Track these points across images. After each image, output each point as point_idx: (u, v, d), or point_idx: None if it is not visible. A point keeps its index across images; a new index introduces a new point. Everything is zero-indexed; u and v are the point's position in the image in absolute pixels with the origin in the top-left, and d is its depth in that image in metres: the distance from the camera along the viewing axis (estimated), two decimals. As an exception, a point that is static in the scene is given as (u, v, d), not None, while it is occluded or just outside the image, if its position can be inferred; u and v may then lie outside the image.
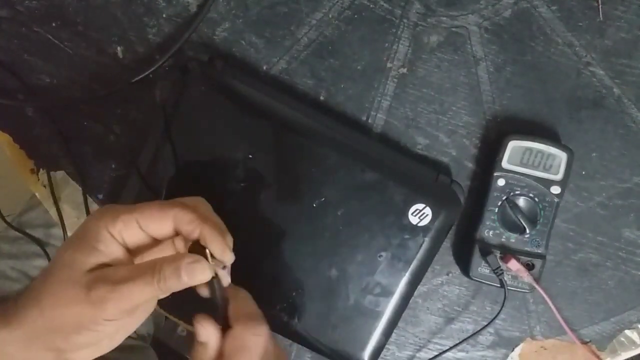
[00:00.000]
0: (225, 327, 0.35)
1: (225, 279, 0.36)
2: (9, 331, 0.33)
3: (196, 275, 0.33)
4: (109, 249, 0.34)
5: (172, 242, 0.38)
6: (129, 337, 0.65)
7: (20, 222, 0.65)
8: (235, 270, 0.47)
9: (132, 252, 0.36)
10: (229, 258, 0.35)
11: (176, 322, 0.39)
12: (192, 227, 0.35)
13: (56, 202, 0.51)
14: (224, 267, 0.36)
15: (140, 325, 0.68)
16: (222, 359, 0.35)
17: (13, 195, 0.71)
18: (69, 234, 0.53)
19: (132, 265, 0.35)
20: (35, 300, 0.34)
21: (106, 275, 0.33)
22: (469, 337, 0.51)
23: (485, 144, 0.51)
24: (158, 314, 0.39)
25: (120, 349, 0.65)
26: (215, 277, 0.34)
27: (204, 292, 0.36)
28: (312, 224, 0.46)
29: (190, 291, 0.35)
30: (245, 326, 0.35)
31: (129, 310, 0.33)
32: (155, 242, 0.36)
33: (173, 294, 0.34)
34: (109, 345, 0.36)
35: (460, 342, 0.51)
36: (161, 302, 0.38)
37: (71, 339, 0.33)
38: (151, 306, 0.38)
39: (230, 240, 0.36)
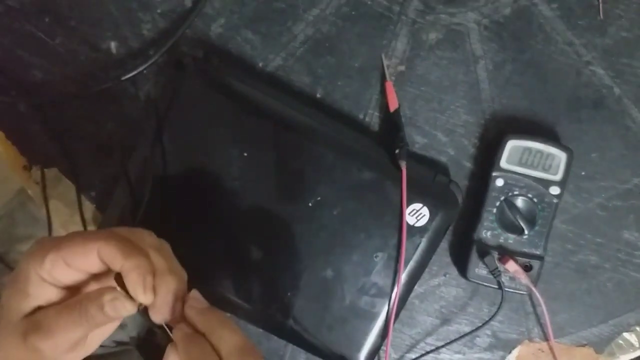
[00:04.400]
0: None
1: (159, 314, 0.34)
2: None
3: (119, 311, 0.33)
4: (40, 291, 0.34)
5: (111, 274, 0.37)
6: (107, 346, 0.65)
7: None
8: (229, 269, 0.47)
9: (73, 288, 0.35)
10: (141, 298, 0.33)
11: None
12: (114, 262, 0.33)
13: (46, 200, 0.51)
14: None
15: (121, 332, 0.68)
16: None
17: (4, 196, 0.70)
18: (63, 232, 0.53)
19: (61, 305, 0.34)
20: None
21: (37, 322, 0.33)
22: (461, 336, 0.51)
23: (483, 143, 0.51)
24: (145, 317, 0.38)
25: (98, 356, 0.64)
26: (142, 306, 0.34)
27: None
28: (308, 223, 0.46)
29: None
30: None
31: (71, 348, 0.34)
32: (96, 275, 0.35)
33: None
34: (81, 354, 0.36)
35: (451, 342, 0.51)
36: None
37: None
38: (106, 331, 0.37)
39: (172, 273, 0.35)
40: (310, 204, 0.46)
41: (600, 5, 0.50)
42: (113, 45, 0.50)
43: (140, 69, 0.48)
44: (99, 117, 0.51)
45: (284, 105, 0.46)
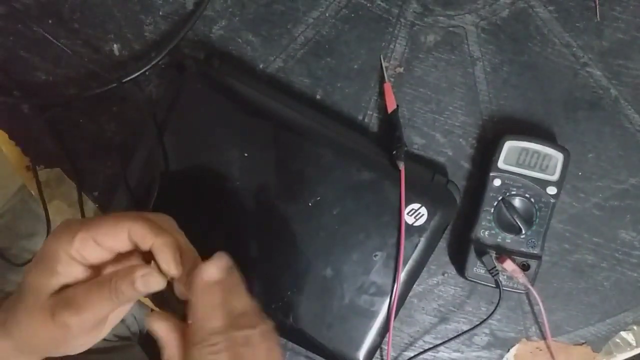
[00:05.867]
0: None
1: (182, 288, 0.36)
2: (1, 341, 0.35)
3: (150, 286, 0.34)
4: (68, 270, 0.35)
5: (134, 254, 0.38)
6: (109, 340, 0.66)
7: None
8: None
9: (96, 267, 0.37)
10: (174, 272, 0.35)
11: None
12: (145, 240, 0.35)
13: (43, 200, 0.51)
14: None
15: (122, 326, 0.68)
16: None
17: (5, 195, 0.71)
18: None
19: (90, 282, 0.35)
20: (14, 320, 0.35)
21: (66, 299, 0.34)
22: (459, 334, 0.51)
23: (481, 144, 0.51)
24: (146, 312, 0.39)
25: (101, 350, 0.65)
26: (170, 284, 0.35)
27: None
28: (308, 223, 0.46)
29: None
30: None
31: (95, 325, 0.35)
32: (117, 255, 0.37)
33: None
34: (96, 337, 0.38)
35: (449, 340, 0.51)
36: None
37: (52, 352, 0.36)
38: (123, 311, 0.39)
39: (192, 252, 0.37)
40: (310, 204, 0.46)
41: (597, 7, 0.50)
42: (115, 47, 0.51)
43: (143, 70, 0.48)
44: (102, 118, 0.51)
45: (284, 107, 0.47)
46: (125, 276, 0.34)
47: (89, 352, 0.39)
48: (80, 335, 0.35)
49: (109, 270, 0.37)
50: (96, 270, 0.37)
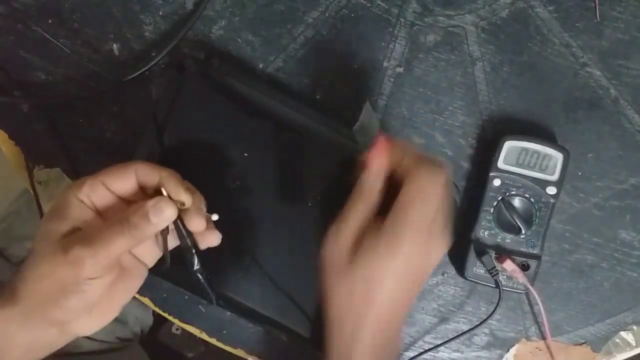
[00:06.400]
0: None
1: (196, 219, 0.37)
2: (8, 309, 0.35)
3: (163, 213, 0.35)
4: (79, 213, 0.36)
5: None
6: (111, 342, 0.65)
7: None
8: (229, 269, 0.47)
9: (103, 214, 0.37)
10: (185, 197, 0.36)
11: (169, 319, 0.40)
12: (152, 175, 0.37)
13: (37, 200, 0.51)
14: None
15: (123, 328, 0.68)
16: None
17: (7, 195, 0.71)
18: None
19: (102, 223, 0.36)
20: (22, 278, 0.35)
21: (79, 236, 0.35)
22: (459, 335, 0.51)
23: (481, 144, 0.51)
24: (148, 314, 0.39)
25: (103, 351, 0.64)
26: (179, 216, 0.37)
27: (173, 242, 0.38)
28: (307, 223, 0.46)
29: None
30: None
31: (109, 265, 0.35)
32: (123, 203, 0.38)
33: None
34: (108, 311, 0.38)
35: (449, 340, 0.51)
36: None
37: (61, 304, 0.35)
38: (138, 268, 0.39)
39: (196, 193, 0.38)
40: (310, 204, 0.46)
41: (597, 7, 0.50)
42: (115, 47, 0.51)
43: (142, 70, 0.48)
44: (101, 118, 0.51)
45: (284, 106, 0.47)
46: (137, 208, 0.35)
47: (92, 353, 0.39)
48: (92, 279, 0.34)
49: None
50: (105, 217, 0.37)
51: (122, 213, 0.35)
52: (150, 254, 0.40)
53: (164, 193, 0.37)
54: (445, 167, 0.37)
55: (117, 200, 0.37)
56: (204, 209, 0.39)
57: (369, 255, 0.36)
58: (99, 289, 0.36)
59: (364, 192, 0.38)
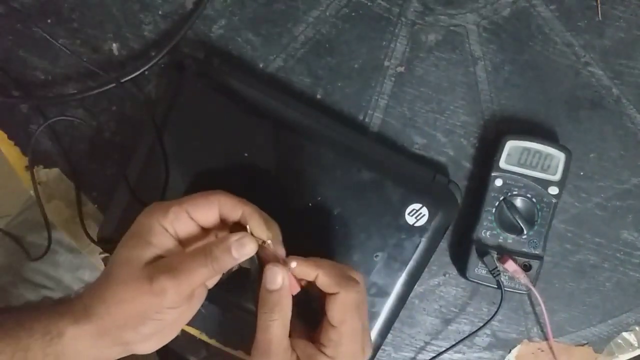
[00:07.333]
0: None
1: (278, 250, 0.39)
2: (78, 327, 0.35)
3: (245, 249, 0.36)
4: (162, 241, 0.37)
5: (216, 232, 0.41)
6: None
7: (18, 224, 0.65)
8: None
9: (183, 242, 0.38)
10: (266, 234, 0.37)
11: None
12: (235, 210, 0.38)
13: (39, 200, 0.51)
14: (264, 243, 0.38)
15: None
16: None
17: (11, 196, 0.70)
18: (64, 232, 0.53)
19: (185, 253, 0.37)
20: (101, 299, 0.36)
21: (163, 265, 0.36)
22: (464, 338, 0.51)
23: (483, 143, 0.51)
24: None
25: None
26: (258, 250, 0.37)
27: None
28: (308, 223, 0.46)
29: None
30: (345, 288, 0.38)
31: (188, 295, 0.36)
32: (203, 232, 0.39)
33: None
34: (171, 334, 0.39)
35: (456, 344, 0.51)
36: None
37: (138, 330, 0.36)
38: (203, 293, 0.40)
39: (275, 226, 0.39)
40: (310, 204, 0.46)
41: (599, 6, 0.50)
42: (115, 46, 0.51)
43: (142, 70, 0.48)
44: (101, 118, 0.51)
45: (284, 106, 0.47)
46: (220, 242, 0.36)
47: None
48: (172, 308, 0.36)
49: (197, 245, 0.39)
50: (185, 245, 0.38)
51: (203, 244, 0.37)
52: (215, 278, 0.40)
53: (247, 229, 0.37)
54: (359, 277, 0.39)
55: (198, 229, 0.38)
56: (281, 243, 0.39)
57: None
58: (174, 316, 0.37)
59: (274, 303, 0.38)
